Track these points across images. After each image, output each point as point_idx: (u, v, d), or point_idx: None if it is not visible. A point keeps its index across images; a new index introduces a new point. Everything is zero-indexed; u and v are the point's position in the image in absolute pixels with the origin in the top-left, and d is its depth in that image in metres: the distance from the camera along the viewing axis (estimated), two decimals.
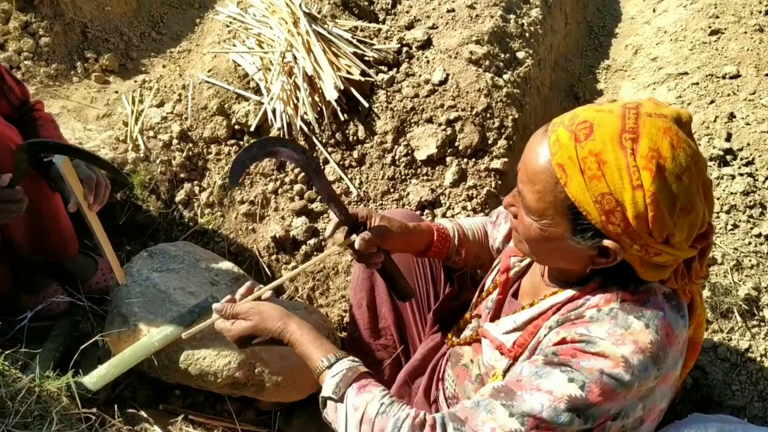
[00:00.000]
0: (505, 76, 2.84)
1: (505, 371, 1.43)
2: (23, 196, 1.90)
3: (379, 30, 2.89)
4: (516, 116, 2.71)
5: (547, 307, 1.40)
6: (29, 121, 2.11)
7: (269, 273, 2.53)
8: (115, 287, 2.16)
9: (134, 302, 2.08)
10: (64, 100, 2.83)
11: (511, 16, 3.19)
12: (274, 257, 2.55)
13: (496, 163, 2.59)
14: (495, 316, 1.61)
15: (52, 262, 2.34)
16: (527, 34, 3.20)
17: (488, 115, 2.65)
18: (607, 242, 1.20)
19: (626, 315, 1.25)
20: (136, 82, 3.04)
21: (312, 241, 2.51)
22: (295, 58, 2.57)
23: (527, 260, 1.61)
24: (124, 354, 1.98)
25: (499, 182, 2.59)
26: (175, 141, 2.62)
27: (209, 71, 2.75)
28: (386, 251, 1.75)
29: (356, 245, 1.64)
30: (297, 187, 2.58)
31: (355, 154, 2.61)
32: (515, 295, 1.61)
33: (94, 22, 3.20)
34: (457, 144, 2.60)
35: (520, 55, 3.07)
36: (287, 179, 2.60)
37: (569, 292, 1.37)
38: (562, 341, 1.28)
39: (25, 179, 1.93)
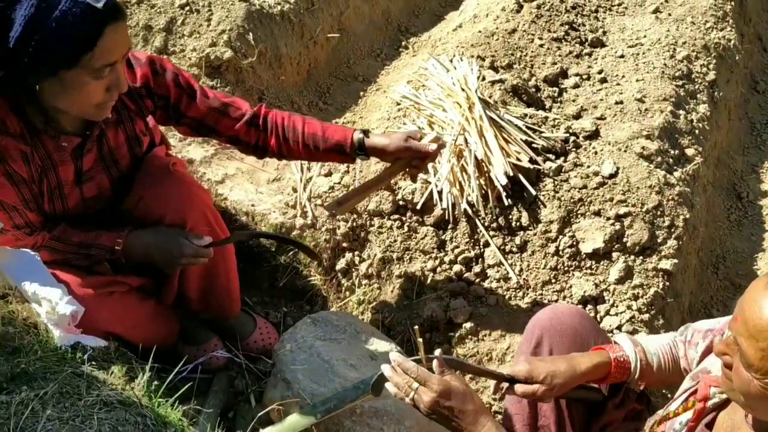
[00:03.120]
0: (676, 174, 2.77)
1: None
2: (209, 255, 2.07)
3: (546, 118, 2.90)
4: (687, 216, 2.62)
5: None
6: (266, 128, 2.17)
7: (422, 352, 2.52)
8: (279, 350, 2.21)
9: (299, 369, 2.12)
10: (239, 162, 2.99)
11: (681, 112, 3.12)
12: (427, 335, 2.54)
13: (666, 264, 2.50)
14: None
15: (215, 318, 2.43)
16: (696, 131, 3.12)
17: (659, 213, 2.58)
18: None
19: None
20: None
21: (468, 325, 2.49)
22: (466, 141, 2.61)
23: None
24: (285, 422, 2.00)
25: (668, 284, 2.49)
26: None
27: None
28: None
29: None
30: (456, 267, 2.58)
31: (517, 240, 2.59)
32: (709, 425, 1.51)
33: (270, 89, 3.39)
34: (625, 240, 2.53)
35: (689, 152, 2.99)
36: (447, 258, 2.61)
37: None
38: None
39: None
